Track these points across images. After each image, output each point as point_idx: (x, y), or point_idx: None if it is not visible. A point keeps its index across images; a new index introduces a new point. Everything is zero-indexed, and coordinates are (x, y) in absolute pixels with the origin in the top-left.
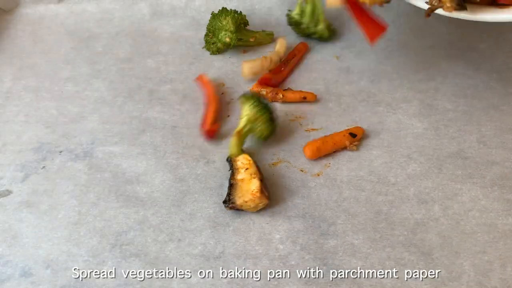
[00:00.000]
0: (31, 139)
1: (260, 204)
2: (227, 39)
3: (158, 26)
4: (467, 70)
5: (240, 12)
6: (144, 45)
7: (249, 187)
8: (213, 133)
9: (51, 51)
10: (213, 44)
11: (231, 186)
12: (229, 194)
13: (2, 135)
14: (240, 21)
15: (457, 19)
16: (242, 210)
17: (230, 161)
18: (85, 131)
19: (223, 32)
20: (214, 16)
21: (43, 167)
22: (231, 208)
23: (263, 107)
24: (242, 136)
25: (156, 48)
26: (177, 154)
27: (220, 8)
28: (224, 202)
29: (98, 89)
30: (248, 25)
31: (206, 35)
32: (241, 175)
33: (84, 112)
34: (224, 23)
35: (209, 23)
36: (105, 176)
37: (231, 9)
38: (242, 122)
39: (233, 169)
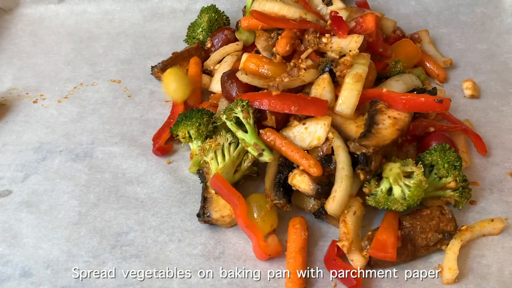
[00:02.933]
0: (31, 139)
1: (235, 220)
2: (200, 37)
3: (158, 28)
4: (467, 71)
5: (223, 12)
6: (144, 46)
7: (226, 202)
8: (165, 152)
9: (51, 51)
10: (192, 38)
11: (205, 200)
12: (203, 207)
13: (2, 135)
14: (219, 21)
15: (457, 20)
16: (216, 225)
17: (203, 173)
18: (85, 131)
19: (200, 29)
20: (201, 11)
21: (43, 167)
22: (205, 222)
23: (199, 114)
24: (195, 156)
25: (157, 49)
26: (178, 155)
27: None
28: (198, 215)
29: (99, 90)
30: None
31: (189, 28)
32: None
33: (84, 112)
34: (201, 20)
35: (197, 17)
36: (105, 177)
37: (215, 8)
38: (193, 146)
39: (206, 182)
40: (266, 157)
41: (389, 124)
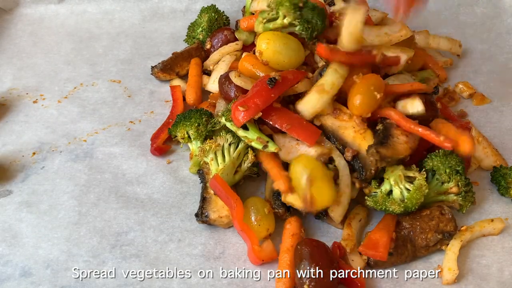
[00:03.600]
0: (31, 139)
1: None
2: (200, 36)
3: (158, 28)
4: (467, 71)
5: (223, 12)
6: (144, 46)
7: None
8: (162, 152)
9: (51, 51)
10: (192, 38)
11: (204, 200)
12: (202, 207)
13: (2, 135)
14: (219, 21)
15: (457, 20)
16: (214, 225)
17: (203, 173)
18: (85, 131)
19: (200, 29)
20: (200, 11)
21: (43, 167)
22: (203, 222)
23: (198, 114)
24: (195, 156)
25: (157, 49)
26: (178, 155)
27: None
28: (196, 215)
29: (99, 90)
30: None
31: (189, 28)
32: None
33: (84, 112)
34: (201, 20)
35: (197, 17)
36: (105, 177)
37: (215, 8)
38: (193, 146)
39: (205, 182)
40: (272, 147)
41: (403, 141)
